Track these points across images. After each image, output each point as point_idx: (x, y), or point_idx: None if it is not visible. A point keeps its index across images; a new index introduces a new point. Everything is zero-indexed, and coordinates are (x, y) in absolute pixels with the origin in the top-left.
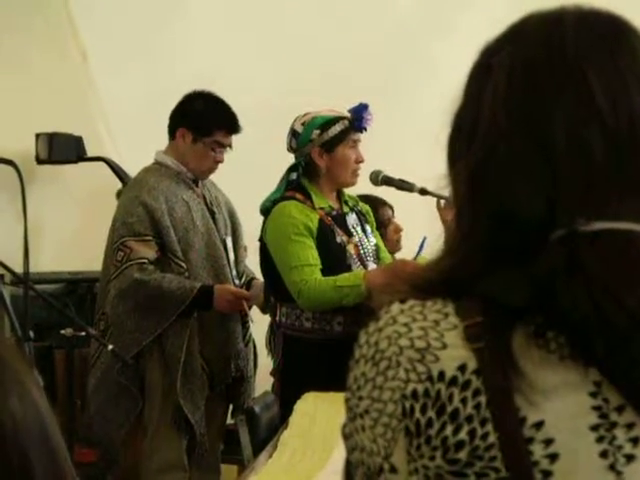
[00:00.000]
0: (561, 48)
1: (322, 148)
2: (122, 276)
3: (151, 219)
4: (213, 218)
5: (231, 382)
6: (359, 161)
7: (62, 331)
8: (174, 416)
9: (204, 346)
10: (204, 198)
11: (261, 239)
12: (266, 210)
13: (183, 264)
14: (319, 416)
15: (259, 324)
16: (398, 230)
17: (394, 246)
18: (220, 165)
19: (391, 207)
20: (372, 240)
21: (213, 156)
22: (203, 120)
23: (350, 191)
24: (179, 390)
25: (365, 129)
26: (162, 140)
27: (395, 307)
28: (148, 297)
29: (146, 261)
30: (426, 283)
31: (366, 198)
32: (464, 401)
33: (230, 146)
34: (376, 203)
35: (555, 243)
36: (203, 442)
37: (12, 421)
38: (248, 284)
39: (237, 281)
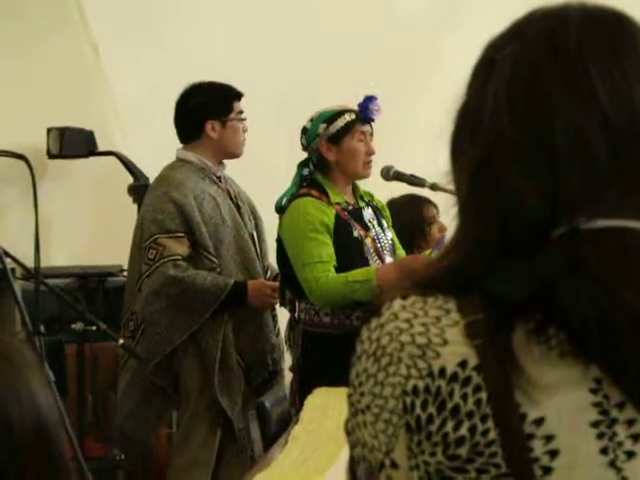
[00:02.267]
0: (564, 45)
1: (329, 141)
2: (156, 274)
3: (182, 215)
4: (239, 212)
5: (267, 376)
6: (370, 153)
7: (73, 325)
8: (211, 413)
9: (238, 341)
10: (229, 193)
11: (278, 236)
12: (281, 207)
13: (215, 259)
14: (330, 411)
15: (279, 320)
16: (442, 229)
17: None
18: (233, 161)
19: (436, 206)
20: (389, 235)
21: (242, 126)
22: (219, 102)
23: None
24: (217, 386)
25: (372, 120)
26: (174, 135)
27: (397, 303)
28: (182, 294)
29: (180, 258)
30: (428, 279)
31: (410, 197)
32: (465, 397)
33: None
34: (421, 201)
35: (556, 240)
36: (241, 437)
37: (6, 426)
38: (274, 280)
39: (267, 274)
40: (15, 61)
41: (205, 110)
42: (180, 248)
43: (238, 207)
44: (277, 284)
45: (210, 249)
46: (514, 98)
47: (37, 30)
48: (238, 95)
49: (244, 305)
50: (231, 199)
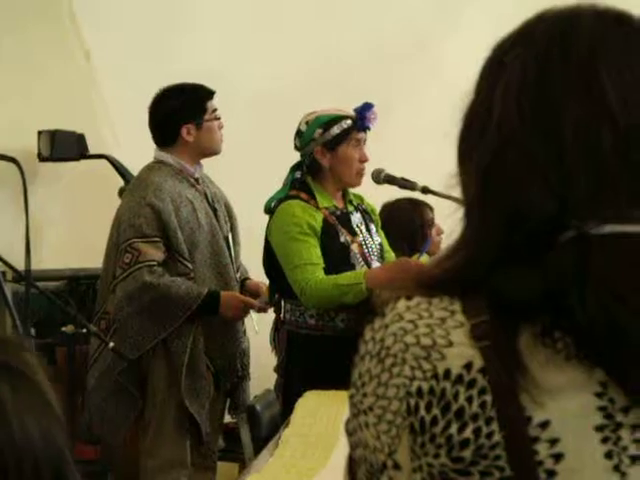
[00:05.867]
0: (574, 47)
1: (324, 147)
2: (131, 278)
3: (158, 220)
4: (215, 215)
5: (236, 381)
6: (363, 160)
7: (63, 328)
8: (178, 415)
9: (210, 347)
10: (205, 195)
11: (266, 238)
12: (270, 209)
13: (189, 264)
14: (320, 414)
15: (263, 320)
16: (439, 232)
17: (436, 248)
18: (223, 161)
19: (432, 209)
20: (377, 239)
21: (218, 124)
22: (191, 105)
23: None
24: (184, 390)
25: (368, 128)
26: None
27: (401, 304)
28: (155, 301)
29: (155, 263)
30: (433, 280)
31: (409, 201)
32: (469, 399)
33: None
34: (420, 205)
35: (565, 244)
36: (209, 441)
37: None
38: (242, 283)
39: (237, 274)
40: (6, 65)
41: (179, 115)
42: (156, 253)
43: (214, 210)
44: (252, 300)
45: (185, 254)
46: (524, 99)
47: (28, 34)
48: (210, 94)
49: (215, 315)
50: (208, 202)
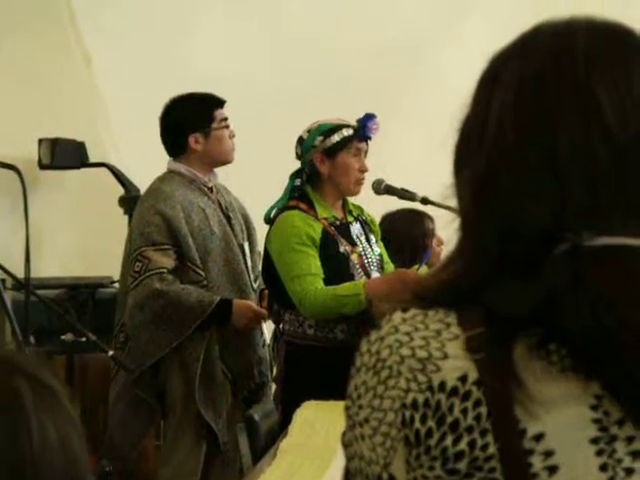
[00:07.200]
0: (570, 60)
1: (324, 154)
2: (141, 287)
3: (169, 228)
4: (230, 223)
5: (254, 388)
6: (363, 170)
7: (62, 336)
8: (196, 425)
9: (226, 353)
10: (219, 204)
11: (265, 247)
12: (270, 219)
13: (202, 272)
14: (319, 424)
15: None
16: (440, 243)
17: (437, 259)
18: (228, 169)
19: (432, 220)
20: (376, 250)
21: (228, 133)
22: (198, 114)
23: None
24: (199, 399)
25: (369, 138)
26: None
27: (397, 316)
28: (166, 308)
29: (165, 271)
30: (428, 292)
31: (410, 211)
32: (464, 412)
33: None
34: (421, 216)
35: (559, 257)
36: (227, 450)
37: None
38: (260, 294)
39: (255, 284)
40: (6, 71)
41: (186, 124)
42: (166, 261)
43: (229, 218)
44: (263, 311)
45: (196, 261)
46: (519, 114)
47: (29, 41)
48: (219, 102)
49: (227, 324)
50: (222, 210)
